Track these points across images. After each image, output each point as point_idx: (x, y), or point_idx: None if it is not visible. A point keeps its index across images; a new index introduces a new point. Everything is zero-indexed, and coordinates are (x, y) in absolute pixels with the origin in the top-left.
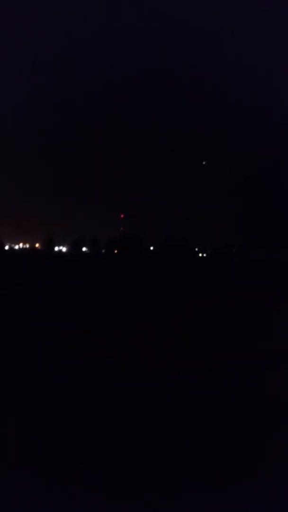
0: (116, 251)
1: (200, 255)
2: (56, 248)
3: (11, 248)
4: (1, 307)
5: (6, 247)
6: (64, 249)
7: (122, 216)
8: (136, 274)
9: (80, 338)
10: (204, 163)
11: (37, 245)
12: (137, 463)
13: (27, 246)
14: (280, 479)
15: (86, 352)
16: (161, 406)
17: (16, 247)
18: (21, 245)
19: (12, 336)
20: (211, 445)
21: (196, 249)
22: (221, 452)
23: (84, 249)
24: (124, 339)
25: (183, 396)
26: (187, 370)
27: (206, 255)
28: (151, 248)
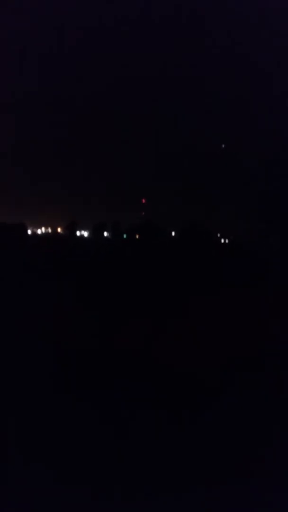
0: (137, 237)
1: (222, 241)
2: (78, 233)
3: (33, 233)
4: (17, 295)
5: (29, 232)
6: (85, 233)
7: (143, 201)
8: (156, 261)
9: (94, 329)
10: (223, 146)
11: (59, 229)
12: (137, 462)
13: (50, 230)
14: (280, 479)
15: (97, 342)
16: (161, 405)
17: (39, 231)
18: (43, 229)
19: (26, 326)
20: (211, 444)
21: (218, 235)
22: (221, 452)
23: (105, 234)
24: (137, 330)
25: (183, 395)
26: (190, 368)
27: (228, 241)
28: (173, 233)
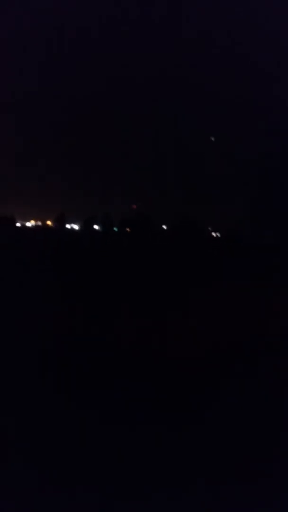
0: (128, 230)
1: (214, 234)
2: (68, 226)
3: (23, 225)
4: (10, 290)
5: (18, 224)
6: (76, 227)
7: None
8: (147, 255)
9: (86, 322)
10: (212, 139)
11: (48, 222)
12: (138, 462)
13: (40, 223)
14: (280, 479)
15: (92, 336)
16: (162, 404)
17: (28, 224)
18: (33, 222)
19: (18, 321)
20: (211, 443)
21: (209, 228)
22: (221, 450)
23: (96, 227)
24: (130, 324)
25: (184, 393)
26: (189, 362)
27: (220, 235)
28: (164, 226)
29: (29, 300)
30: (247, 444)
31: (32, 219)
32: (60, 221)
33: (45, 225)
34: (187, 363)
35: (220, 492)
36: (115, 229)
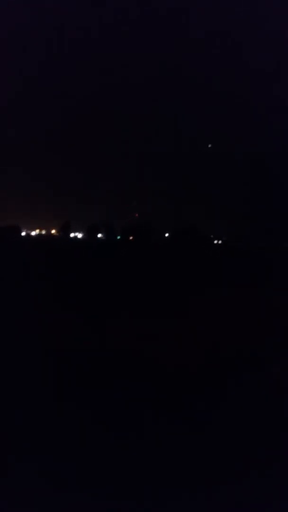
0: (131, 238)
1: (215, 242)
2: (72, 235)
3: (28, 234)
4: (14, 295)
5: (23, 233)
6: (79, 235)
7: (136, 215)
8: (149, 262)
9: (87, 329)
10: (209, 146)
11: (53, 231)
12: (137, 462)
13: (44, 232)
14: (281, 479)
15: (92, 343)
16: (162, 404)
17: (33, 233)
18: (37, 231)
19: (21, 325)
20: (211, 444)
21: (212, 236)
22: (221, 451)
23: (99, 235)
24: (133, 330)
25: (184, 394)
26: (190, 365)
27: (221, 242)
28: (166, 235)
29: (32, 303)
30: (247, 444)
31: (37, 228)
32: (65, 230)
33: (49, 234)
34: (187, 365)
35: (220, 492)
36: (118, 237)
